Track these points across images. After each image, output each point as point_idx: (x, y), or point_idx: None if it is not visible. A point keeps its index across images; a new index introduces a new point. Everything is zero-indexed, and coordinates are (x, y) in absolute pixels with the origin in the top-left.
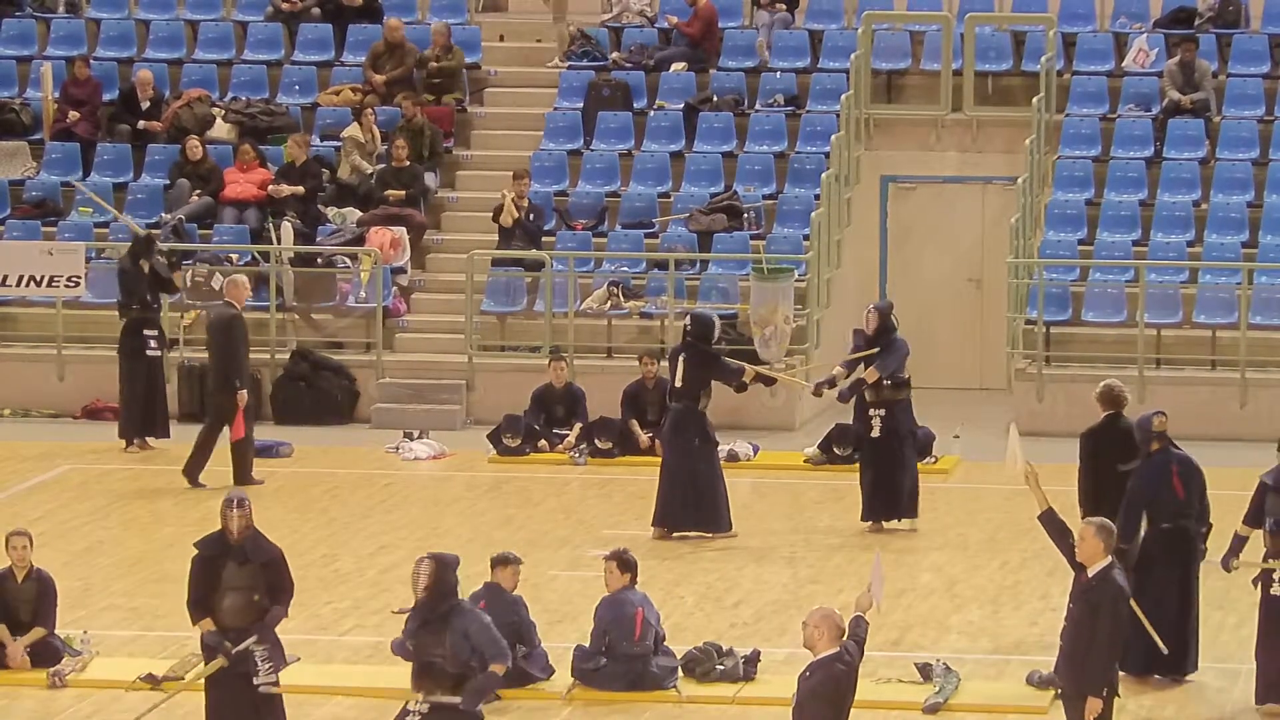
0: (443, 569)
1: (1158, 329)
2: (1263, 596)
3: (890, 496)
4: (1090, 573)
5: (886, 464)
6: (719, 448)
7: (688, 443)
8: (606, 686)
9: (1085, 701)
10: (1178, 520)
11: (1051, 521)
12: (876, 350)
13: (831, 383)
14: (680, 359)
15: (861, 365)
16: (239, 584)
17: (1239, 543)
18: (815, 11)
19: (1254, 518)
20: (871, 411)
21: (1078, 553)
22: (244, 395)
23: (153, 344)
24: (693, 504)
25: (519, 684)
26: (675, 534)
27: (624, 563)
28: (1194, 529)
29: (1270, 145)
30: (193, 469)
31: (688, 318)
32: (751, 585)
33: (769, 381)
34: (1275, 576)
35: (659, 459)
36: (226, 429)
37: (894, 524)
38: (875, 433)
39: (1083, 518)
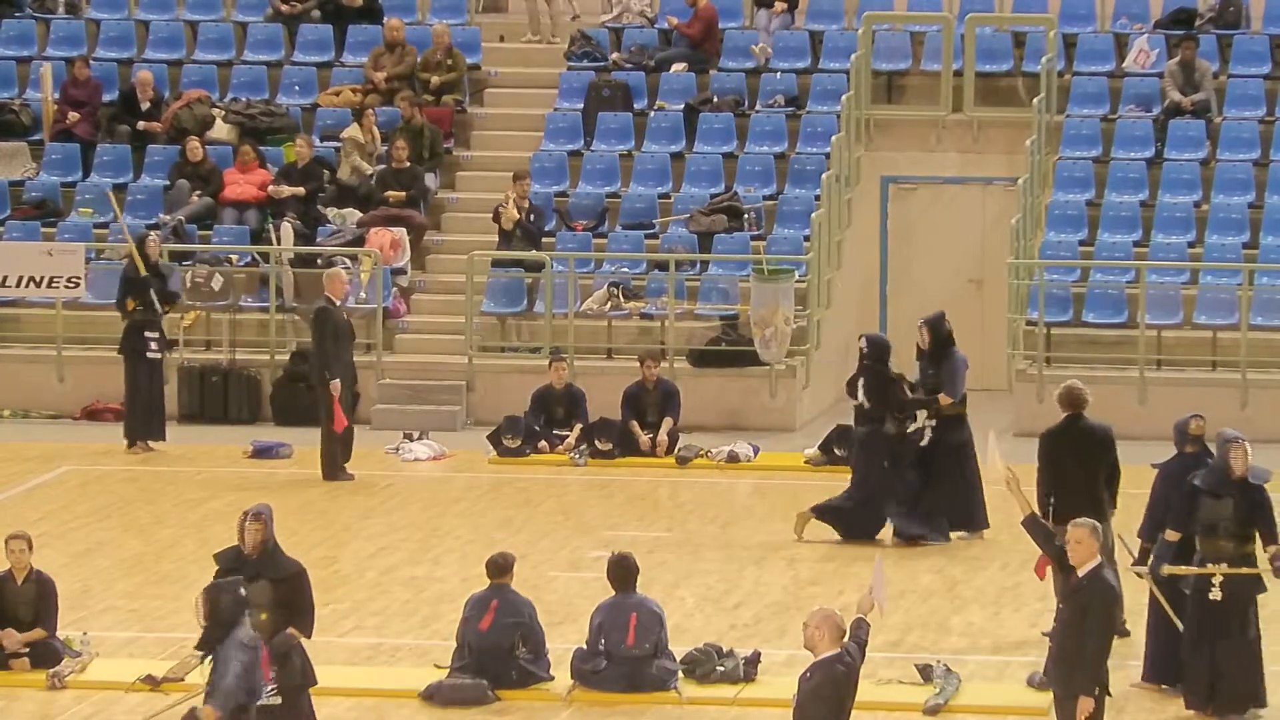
0: (215, 597)
1: (1158, 330)
2: (1195, 600)
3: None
4: (1080, 573)
5: (933, 475)
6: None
7: (877, 466)
8: (606, 688)
9: (1076, 702)
10: (1188, 528)
11: (1035, 526)
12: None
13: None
14: (860, 383)
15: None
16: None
17: (1166, 548)
18: (816, 12)
19: (1182, 522)
20: (925, 422)
21: (1071, 555)
22: (336, 385)
23: (154, 346)
24: (916, 518)
25: (521, 685)
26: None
27: (624, 565)
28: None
29: (1271, 146)
30: (329, 469)
31: (862, 339)
32: (751, 587)
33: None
34: (1213, 581)
35: (659, 460)
36: None
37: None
38: (924, 442)
39: (1039, 518)
